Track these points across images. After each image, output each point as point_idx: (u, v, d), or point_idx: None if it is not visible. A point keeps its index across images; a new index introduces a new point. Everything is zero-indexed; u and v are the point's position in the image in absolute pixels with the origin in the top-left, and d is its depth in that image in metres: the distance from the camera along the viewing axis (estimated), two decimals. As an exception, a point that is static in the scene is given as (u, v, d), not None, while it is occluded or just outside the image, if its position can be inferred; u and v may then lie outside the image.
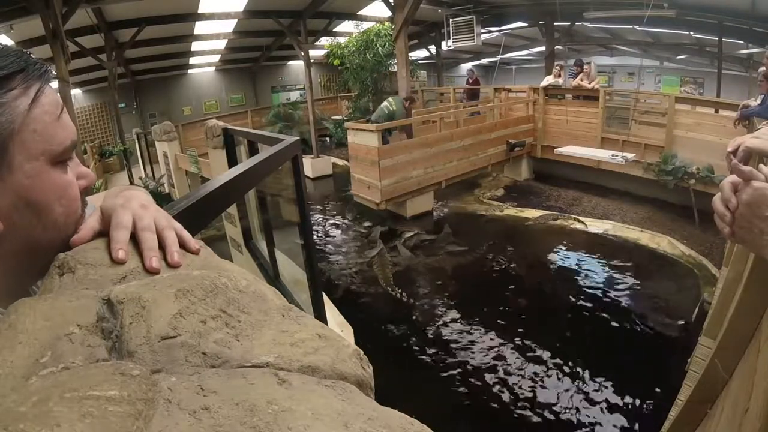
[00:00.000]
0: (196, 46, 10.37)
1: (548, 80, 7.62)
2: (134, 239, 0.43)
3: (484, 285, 4.53)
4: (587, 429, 2.75)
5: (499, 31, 10.54)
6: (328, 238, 6.31)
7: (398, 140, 6.18)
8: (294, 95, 13.60)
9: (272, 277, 2.34)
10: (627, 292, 4.25)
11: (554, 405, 2.94)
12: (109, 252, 0.41)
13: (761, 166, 0.58)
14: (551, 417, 2.86)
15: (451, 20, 8.12)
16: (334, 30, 10.28)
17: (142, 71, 11.13)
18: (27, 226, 0.40)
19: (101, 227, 0.45)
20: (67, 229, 0.44)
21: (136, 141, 9.50)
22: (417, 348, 3.64)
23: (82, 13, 5.96)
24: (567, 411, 2.89)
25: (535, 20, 8.98)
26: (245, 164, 1.18)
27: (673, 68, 13.37)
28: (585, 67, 7.34)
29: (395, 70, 6.88)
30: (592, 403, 2.93)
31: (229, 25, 9.27)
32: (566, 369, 3.22)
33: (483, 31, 8.63)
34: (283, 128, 10.16)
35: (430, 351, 3.58)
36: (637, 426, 2.73)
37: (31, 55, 0.41)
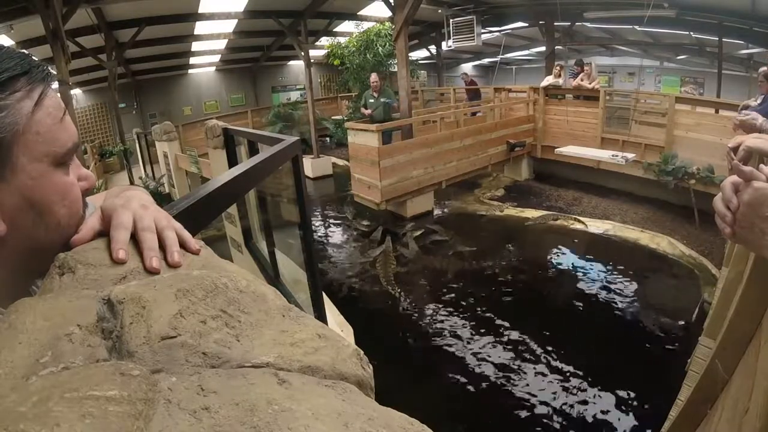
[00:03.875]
0: (196, 46, 10.36)
1: (548, 80, 7.62)
2: (134, 239, 0.43)
3: (484, 285, 4.53)
4: (587, 429, 2.75)
5: (499, 31, 10.53)
6: (328, 238, 6.31)
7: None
8: (294, 95, 13.60)
9: (272, 277, 2.34)
10: (627, 292, 4.25)
11: (554, 405, 2.94)
12: (110, 252, 0.41)
13: (762, 166, 0.58)
14: (551, 417, 2.86)
15: (451, 20, 8.11)
16: (334, 30, 10.28)
17: (142, 71, 11.12)
18: (29, 227, 0.41)
19: (101, 227, 0.45)
20: (69, 231, 0.44)
21: (137, 141, 9.49)
22: (417, 348, 3.64)
23: (82, 13, 5.96)
24: (566, 411, 2.88)
25: (535, 20, 8.97)
26: (245, 164, 1.18)
27: (673, 68, 13.37)
28: (585, 67, 7.34)
29: (395, 70, 6.87)
30: (592, 403, 2.93)
31: (229, 25, 9.27)
32: (566, 369, 3.22)
33: (483, 31, 8.62)
34: (284, 128, 10.17)
35: (430, 351, 3.58)
36: (637, 426, 2.73)
37: (34, 58, 0.41)
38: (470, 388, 3.16)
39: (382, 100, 6.31)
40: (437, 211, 6.69)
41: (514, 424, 2.86)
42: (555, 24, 8.68)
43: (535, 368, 3.27)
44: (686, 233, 5.17)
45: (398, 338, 3.80)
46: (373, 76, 6.49)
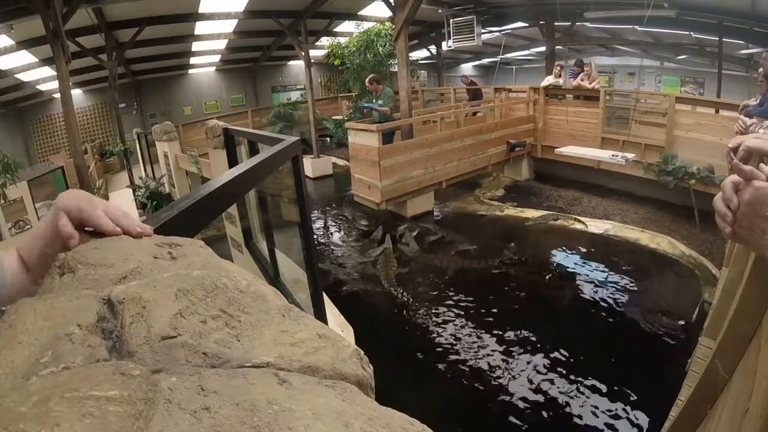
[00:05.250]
0: (196, 46, 10.36)
1: (548, 80, 7.61)
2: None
3: (484, 285, 4.53)
4: (587, 429, 2.75)
5: (499, 31, 10.53)
6: (328, 238, 6.31)
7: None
8: (294, 95, 13.60)
9: (272, 277, 2.34)
10: (627, 292, 4.25)
11: (554, 405, 2.94)
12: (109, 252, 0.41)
13: (762, 165, 0.58)
14: (551, 417, 2.86)
15: (451, 20, 8.11)
16: (334, 30, 10.28)
17: (142, 71, 11.13)
18: None
19: (73, 229, 0.45)
20: None
21: (137, 141, 9.50)
22: (417, 348, 3.64)
23: (82, 13, 5.96)
24: (567, 411, 2.88)
25: (536, 20, 8.97)
26: (245, 164, 1.18)
27: (673, 68, 13.36)
28: (585, 67, 7.33)
29: (395, 70, 6.88)
30: (592, 403, 2.93)
31: (229, 25, 9.27)
32: (566, 369, 3.22)
33: (483, 31, 8.62)
34: (284, 128, 10.16)
35: (431, 351, 3.58)
36: (637, 426, 2.73)
37: None
38: (471, 388, 3.16)
39: (379, 102, 6.31)
40: (437, 211, 6.69)
41: (514, 423, 2.85)
42: (555, 24, 8.68)
43: (535, 368, 3.27)
44: (686, 233, 5.17)
45: (398, 338, 3.80)
46: (367, 81, 6.55)
